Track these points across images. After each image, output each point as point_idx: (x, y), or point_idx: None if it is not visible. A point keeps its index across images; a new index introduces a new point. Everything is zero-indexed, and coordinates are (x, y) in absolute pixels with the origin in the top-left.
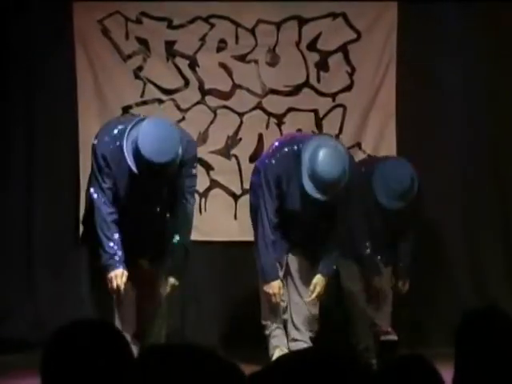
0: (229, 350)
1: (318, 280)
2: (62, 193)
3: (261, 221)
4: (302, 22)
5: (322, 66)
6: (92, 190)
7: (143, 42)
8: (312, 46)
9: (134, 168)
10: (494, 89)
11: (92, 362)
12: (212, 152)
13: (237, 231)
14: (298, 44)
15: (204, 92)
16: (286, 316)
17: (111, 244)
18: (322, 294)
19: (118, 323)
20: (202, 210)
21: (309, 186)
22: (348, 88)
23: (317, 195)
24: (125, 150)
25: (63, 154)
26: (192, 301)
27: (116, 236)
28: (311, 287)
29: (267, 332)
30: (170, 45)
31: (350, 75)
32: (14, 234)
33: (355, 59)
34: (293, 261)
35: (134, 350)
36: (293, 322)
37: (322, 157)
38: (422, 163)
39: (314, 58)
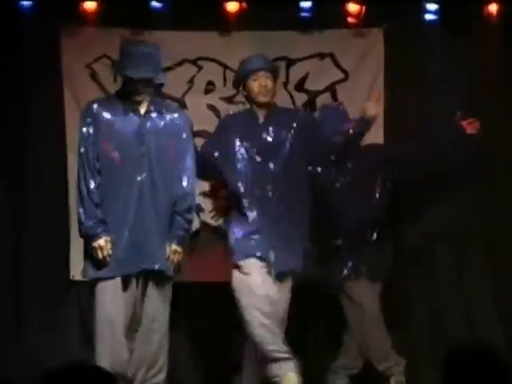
0: None
1: None
2: (52, 231)
3: None
4: (289, 62)
5: (310, 106)
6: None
7: None
8: (300, 87)
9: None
10: (485, 115)
11: None
12: (202, 193)
13: (227, 272)
14: (285, 85)
15: (193, 134)
16: None
17: (92, 211)
18: None
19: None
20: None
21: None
22: None
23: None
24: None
25: (52, 194)
26: (184, 341)
27: (97, 205)
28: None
29: (277, 355)
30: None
31: None
32: (2, 274)
33: (343, 99)
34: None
35: None
36: None
37: None
38: (409, 194)
39: (302, 98)
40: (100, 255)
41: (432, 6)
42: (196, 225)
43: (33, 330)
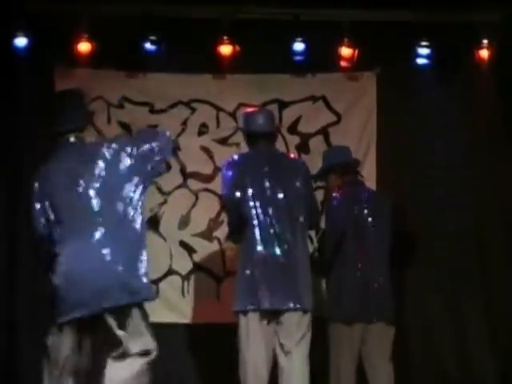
0: None
1: None
2: None
3: None
4: (282, 105)
5: (303, 148)
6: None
7: (125, 126)
8: (292, 129)
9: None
10: (476, 160)
11: None
12: (194, 235)
13: (220, 314)
14: (278, 127)
15: (186, 175)
16: None
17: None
18: None
19: None
20: (185, 293)
21: None
22: None
23: None
24: None
25: None
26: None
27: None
28: None
29: None
30: None
31: None
32: None
33: (336, 141)
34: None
35: None
36: None
37: None
38: (403, 237)
39: (294, 140)
40: None
41: (424, 51)
42: (189, 266)
43: (26, 354)
